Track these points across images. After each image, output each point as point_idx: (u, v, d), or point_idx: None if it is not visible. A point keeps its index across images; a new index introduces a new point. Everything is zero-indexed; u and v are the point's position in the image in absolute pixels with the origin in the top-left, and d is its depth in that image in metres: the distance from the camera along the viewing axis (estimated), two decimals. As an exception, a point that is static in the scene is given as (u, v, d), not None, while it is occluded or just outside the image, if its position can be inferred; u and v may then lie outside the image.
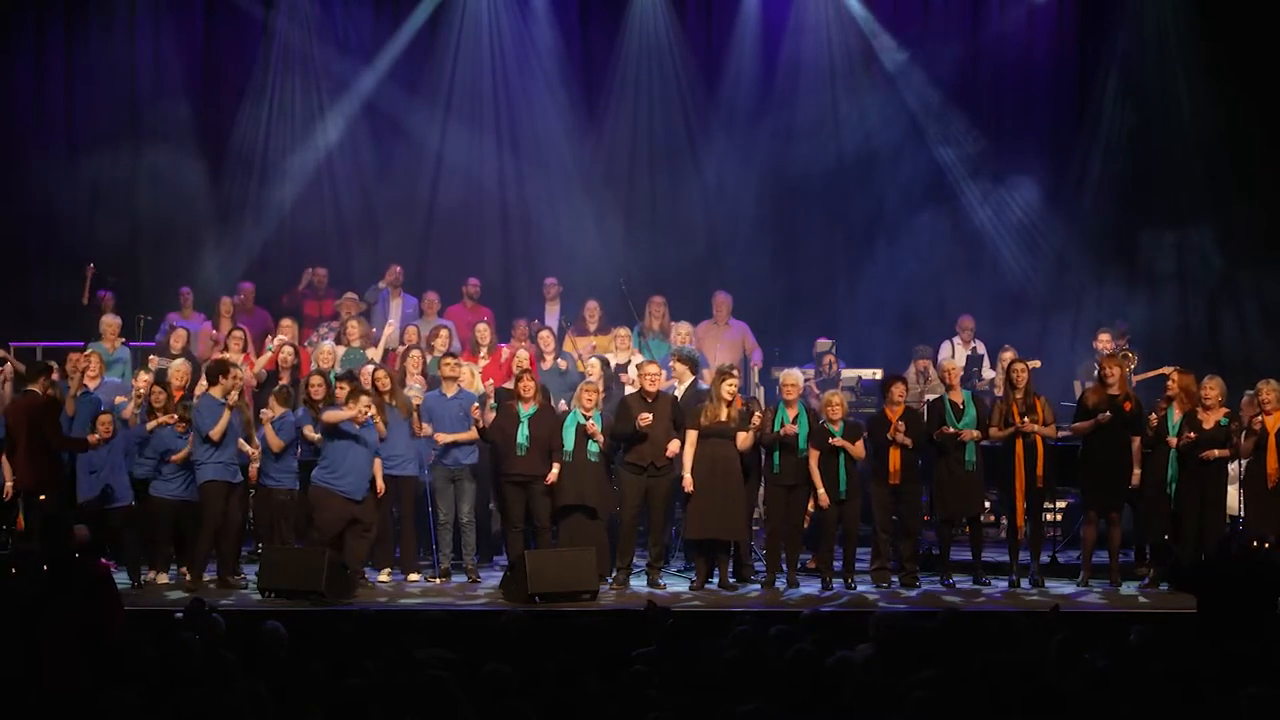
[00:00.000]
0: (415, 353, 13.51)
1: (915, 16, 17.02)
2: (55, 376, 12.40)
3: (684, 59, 17.17)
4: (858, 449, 12.22)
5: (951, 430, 12.28)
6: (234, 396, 12.26)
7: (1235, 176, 16.48)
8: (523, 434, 12.33)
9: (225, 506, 12.12)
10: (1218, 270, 16.47)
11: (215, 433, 11.98)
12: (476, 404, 12.67)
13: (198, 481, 12.12)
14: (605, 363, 13.44)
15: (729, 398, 12.16)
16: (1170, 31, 16.68)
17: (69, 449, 11.93)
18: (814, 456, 12.26)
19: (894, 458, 12.28)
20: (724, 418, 12.14)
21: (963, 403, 12.43)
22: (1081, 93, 17.01)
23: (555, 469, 12.30)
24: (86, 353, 13.13)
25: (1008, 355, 14.12)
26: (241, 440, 12.27)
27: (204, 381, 12.67)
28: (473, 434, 12.60)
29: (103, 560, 9.36)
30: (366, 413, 11.98)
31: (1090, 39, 17.00)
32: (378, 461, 12.20)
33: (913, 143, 16.89)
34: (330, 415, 12.03)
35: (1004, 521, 13.00)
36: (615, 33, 17.15)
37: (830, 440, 12.17)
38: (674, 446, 12.21)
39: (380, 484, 12.20)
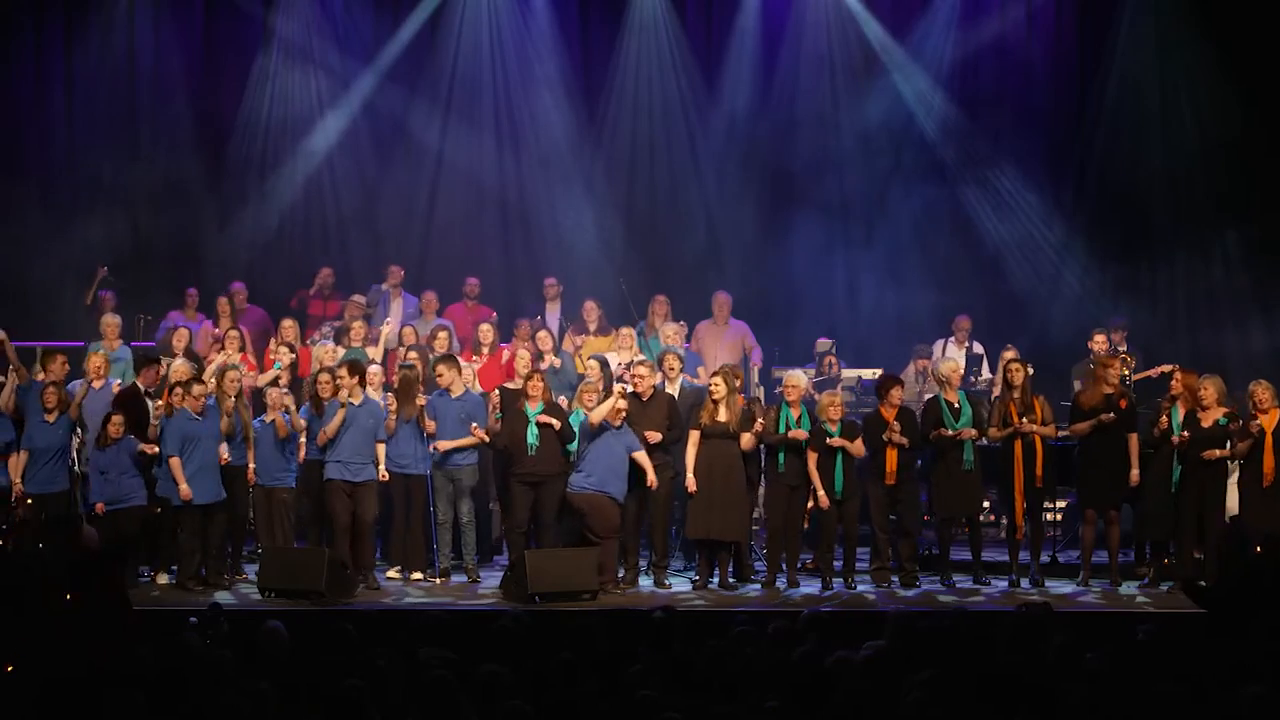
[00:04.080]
0: (413, 353, 13.53)
1: (915, 16, 17.01)
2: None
3: (684, 59, 17.16)
4: (857, 447, 12.25)
5: (949, 433, 12.29)
6: (344, 396, 12.33)
7: (1236, 175, 16.48)
8: (532, 434, 12.35)
9: (349, 504, 12.18)
10: (1219, 269, 16.47)
11: (331, 429, 12.17)
12: (476, 424, 12.64)
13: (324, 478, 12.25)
14: (604, 363, 13.43)
15: (717, 397, 12.16)
16: (1170, 29, 16.67)
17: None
18: (812, 458, 12.28)
19: (890, 458, 12.29)
20: (722, 418, 12.15)
21: (958, 403, 12.45)
22: (1081, 90, 16.99)
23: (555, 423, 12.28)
24: (91, 353, 13.13)
25: (1008, 355, 14.10)
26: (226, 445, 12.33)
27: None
28: (473, 440, 12.60)
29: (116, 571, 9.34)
30: (621, 413, 11.98)
31: (1090, 37, 16.99)
32: (640, 455, 12.11)
33: (913, 142, 16.88)
34: (595, 415, 12.02)
35: (1004, 521, 13.00)
36: (615, 33, 17.14)
37: (828, 441, 12.19)
38: (652, 436, 12.24)
39: (652, 477, 12.12)
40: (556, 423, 12.22)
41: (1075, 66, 17.07)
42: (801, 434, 12.21)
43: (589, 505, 12.04)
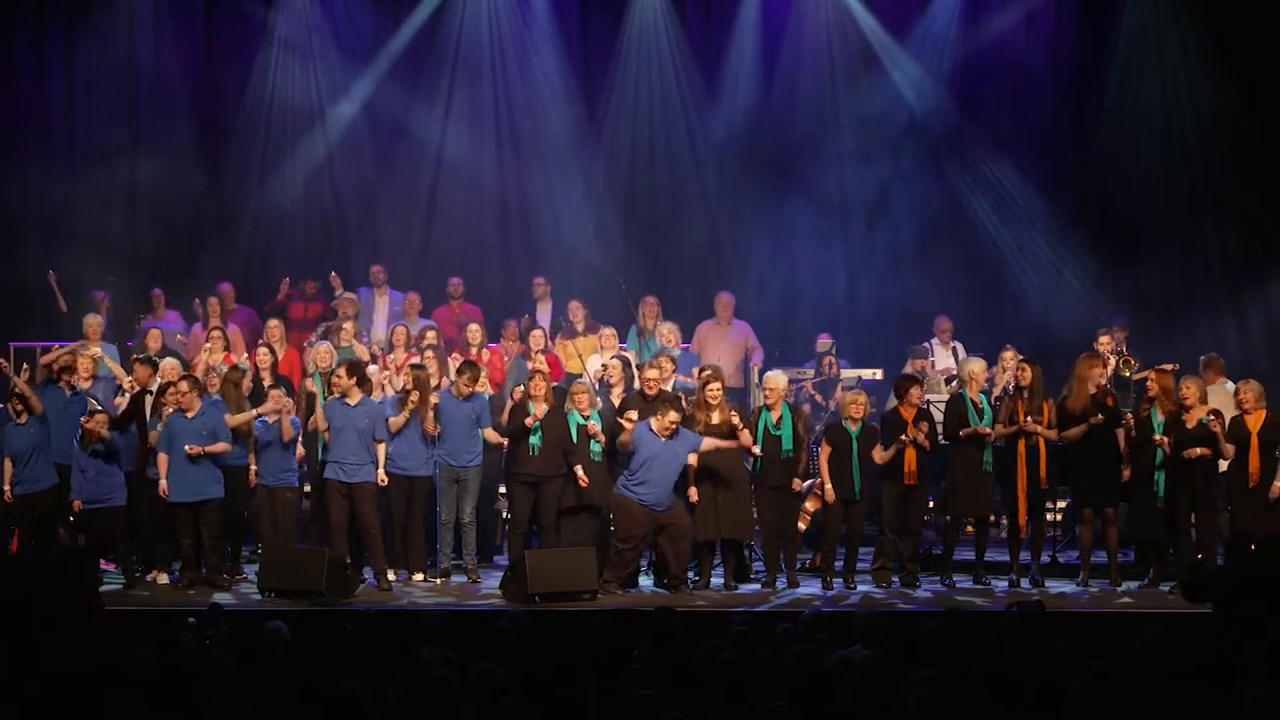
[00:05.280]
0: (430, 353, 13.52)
1: (915, 15, 17.01)
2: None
3: (684, 58, 17.16)
4: (883, 454, 12.19)
5: (985, 431, 12.25)
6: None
7: (1236, 173, 16.49)
8: (535, 435, 12.35)
9: (345, 505, 12.16)
10: (1219, 269, 16.47)
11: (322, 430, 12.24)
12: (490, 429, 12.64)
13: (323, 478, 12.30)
14: (626, 362, 13.37)
15: (714, 401, 12.15)
16: (1170, 28, 16.68)
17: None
18: (825, 452, 12.24)
19: (910, 458, 12.25)
20: (716, 421, 12.13)
21: (981, 402, 12.43)
22: (1081, 89, 16.99)
23: (580, 470, 12.28)
24: (83, 353, 13.13)
25: (1008, 355, 14.10)
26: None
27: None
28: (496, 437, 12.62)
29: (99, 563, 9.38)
30: (674, 425, 11.81)
31: (1090, 36, 16.99)
32: (707, 446, 11.94)
33: (912, 143, 16.88)
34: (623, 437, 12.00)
35: (1005, 521, 12.99)
36: (615, 33, 17.14)
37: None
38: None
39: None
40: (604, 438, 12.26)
41: (1075, 65, 17.07)
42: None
43: (619, 509, 12.04)
